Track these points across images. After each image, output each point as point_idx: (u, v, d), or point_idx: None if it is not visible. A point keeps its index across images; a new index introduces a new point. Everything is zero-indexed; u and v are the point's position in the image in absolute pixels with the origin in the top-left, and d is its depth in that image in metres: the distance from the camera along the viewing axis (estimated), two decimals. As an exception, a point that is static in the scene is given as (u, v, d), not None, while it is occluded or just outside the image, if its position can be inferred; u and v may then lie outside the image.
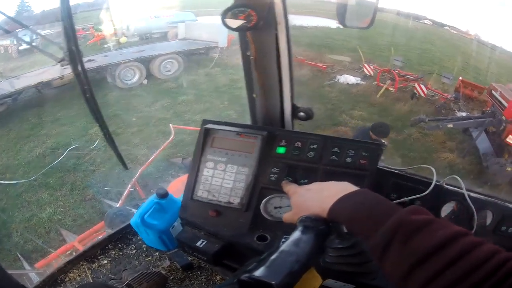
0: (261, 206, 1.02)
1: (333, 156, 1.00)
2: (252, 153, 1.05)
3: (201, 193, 1.07)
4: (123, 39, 12.48)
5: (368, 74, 10.20)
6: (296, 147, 1.03)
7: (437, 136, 7.51)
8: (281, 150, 1.04)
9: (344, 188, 0.72)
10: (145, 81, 9.85)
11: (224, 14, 0.87)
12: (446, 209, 1.10)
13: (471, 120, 7.30)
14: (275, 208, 1.02)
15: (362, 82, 9.96)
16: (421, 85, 9.09)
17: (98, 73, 9.37)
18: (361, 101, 8.90)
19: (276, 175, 1.02)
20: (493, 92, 7.48)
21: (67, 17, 1.16)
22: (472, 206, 1.07)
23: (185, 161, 5.02)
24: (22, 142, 6.93)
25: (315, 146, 1.01)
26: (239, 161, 1.06)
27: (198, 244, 1.04)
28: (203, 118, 1.18)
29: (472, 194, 1.10)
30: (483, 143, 7.14)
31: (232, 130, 1.08)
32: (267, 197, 1.02)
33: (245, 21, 0.89)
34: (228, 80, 9.69)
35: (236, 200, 1.04)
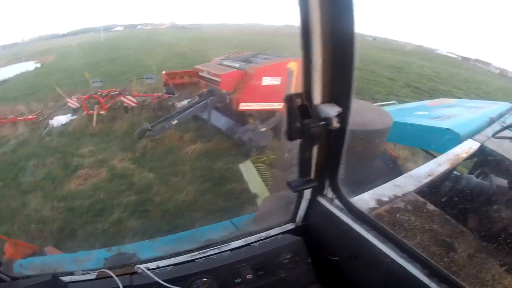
0: None
1: None
2: None
3: None
4: None
5: (75, 107, 9.41)
6: None
7: (171, 136, 7.31)
8: None
9: None
10: None
11: None
12: None
13: (193, 108, 7.10)
14: None
15: (74, 117, 9.23)
16: (126, 97, 8.98)
17: None
18: (80, 137, 8.29)
19: None
20: (200, 73, 7.55)
21: None
22: None
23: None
24: None
25: None
26: None
27: None
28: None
29: None
30: (219, 120, 7.28)
31: None
32: None
33: None
34: None
35: None
